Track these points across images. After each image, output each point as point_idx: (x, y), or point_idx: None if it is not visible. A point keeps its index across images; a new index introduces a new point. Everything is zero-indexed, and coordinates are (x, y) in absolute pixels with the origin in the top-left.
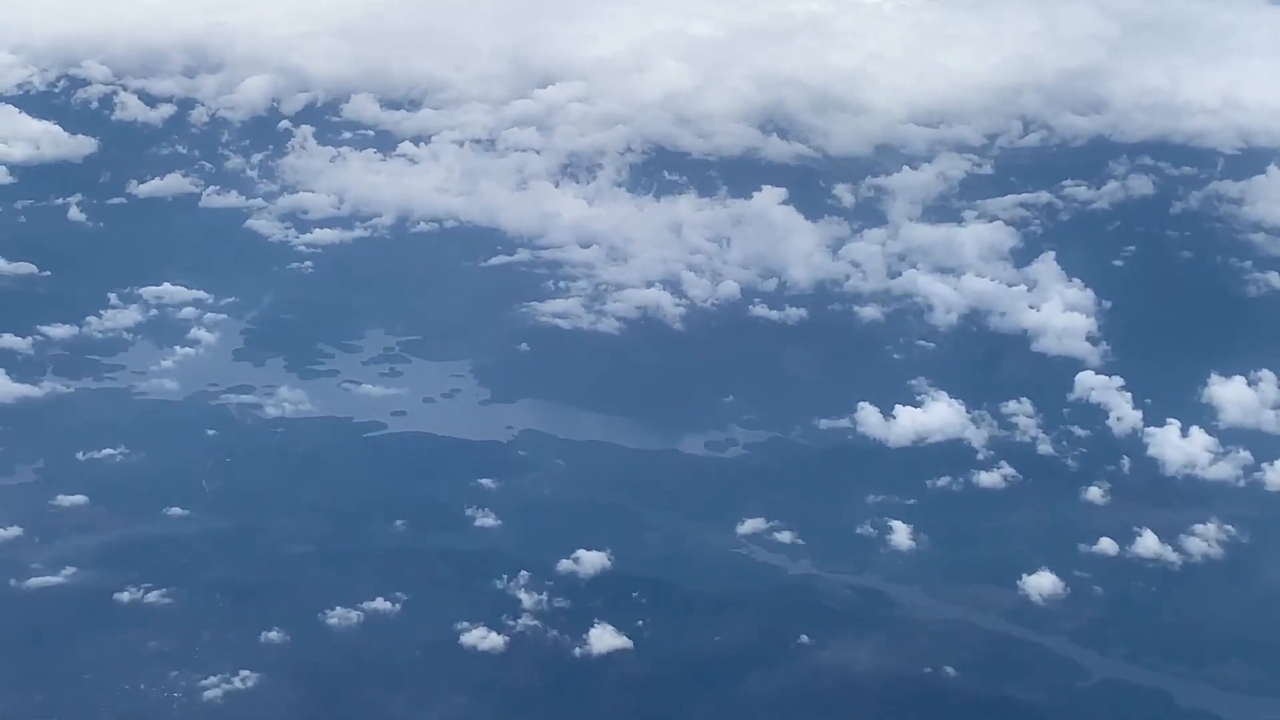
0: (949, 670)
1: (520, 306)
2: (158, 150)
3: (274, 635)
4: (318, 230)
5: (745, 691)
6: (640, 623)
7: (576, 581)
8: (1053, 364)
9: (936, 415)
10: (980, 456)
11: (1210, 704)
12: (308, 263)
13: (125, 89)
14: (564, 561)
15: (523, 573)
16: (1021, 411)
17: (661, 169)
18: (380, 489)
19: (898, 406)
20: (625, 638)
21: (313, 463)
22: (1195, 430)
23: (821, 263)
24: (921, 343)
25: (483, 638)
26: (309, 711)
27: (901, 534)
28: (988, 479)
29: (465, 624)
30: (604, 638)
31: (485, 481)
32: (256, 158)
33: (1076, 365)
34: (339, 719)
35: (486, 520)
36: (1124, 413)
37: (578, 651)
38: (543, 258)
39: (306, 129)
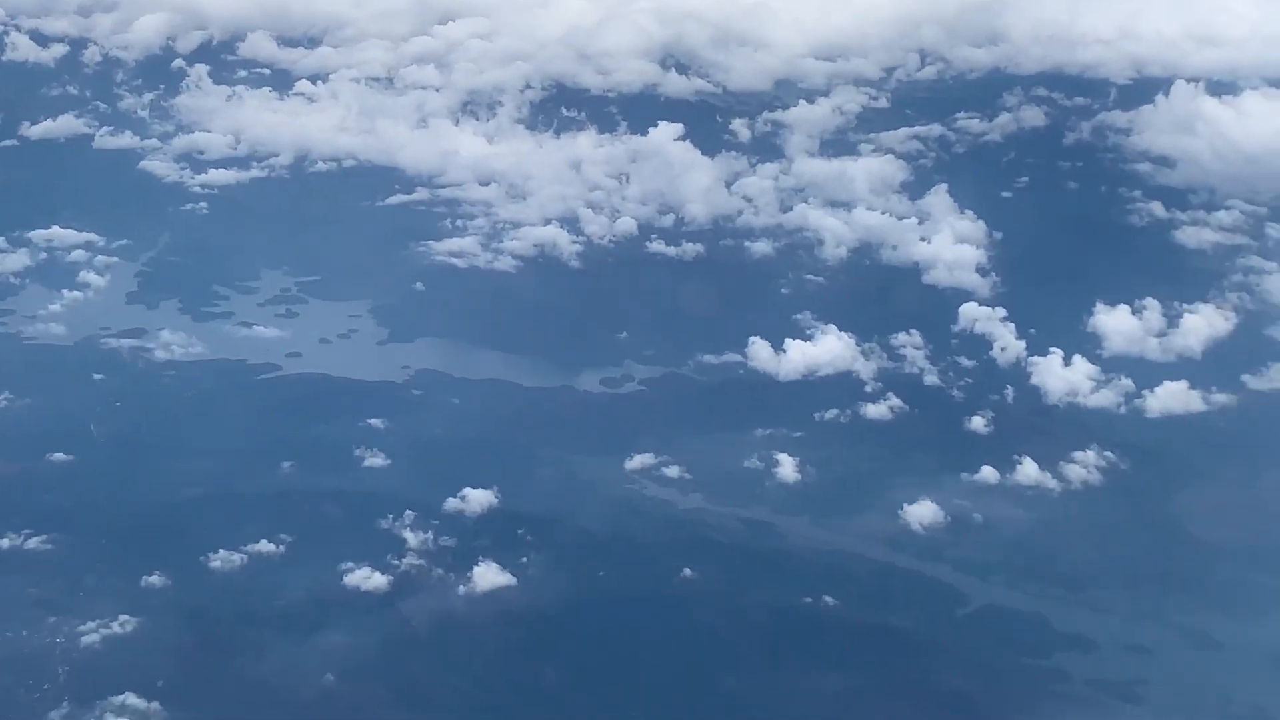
0: (828, 600)
1: (418, 246)
2: (50, 91)
3: (155, 579)
4: (213, 171)
5: (626, 625)
6: (525, 560)
7: (463, 520)
8: (943, 296)
9: (826, 348)
10: (868, 389)
11: (1086, 628)
12: (203, 204)
13: (17, 29)
14: (451, 500)
15: (408, 512)
16: (910, 343)
17: (561, 106)
18: (270, 431)
19: (788, 340)
20: (509, 575)
21: (203, 406)
22: (1078, 359)
23: (718, 198)
24: (812, 277)
25: (366, 578)
26: (188, 654)
27: (788, 466)
28: (875, 411)
29: (349, 564)
30: (488, 575)
31: (376, 422)
32: (151, 97)
33: (966, 297)
34: (218, 661)
35: (375, 460)
36: (1008, 343)
37: (461, 590)
38: (441, 196)
39: (201, 68)
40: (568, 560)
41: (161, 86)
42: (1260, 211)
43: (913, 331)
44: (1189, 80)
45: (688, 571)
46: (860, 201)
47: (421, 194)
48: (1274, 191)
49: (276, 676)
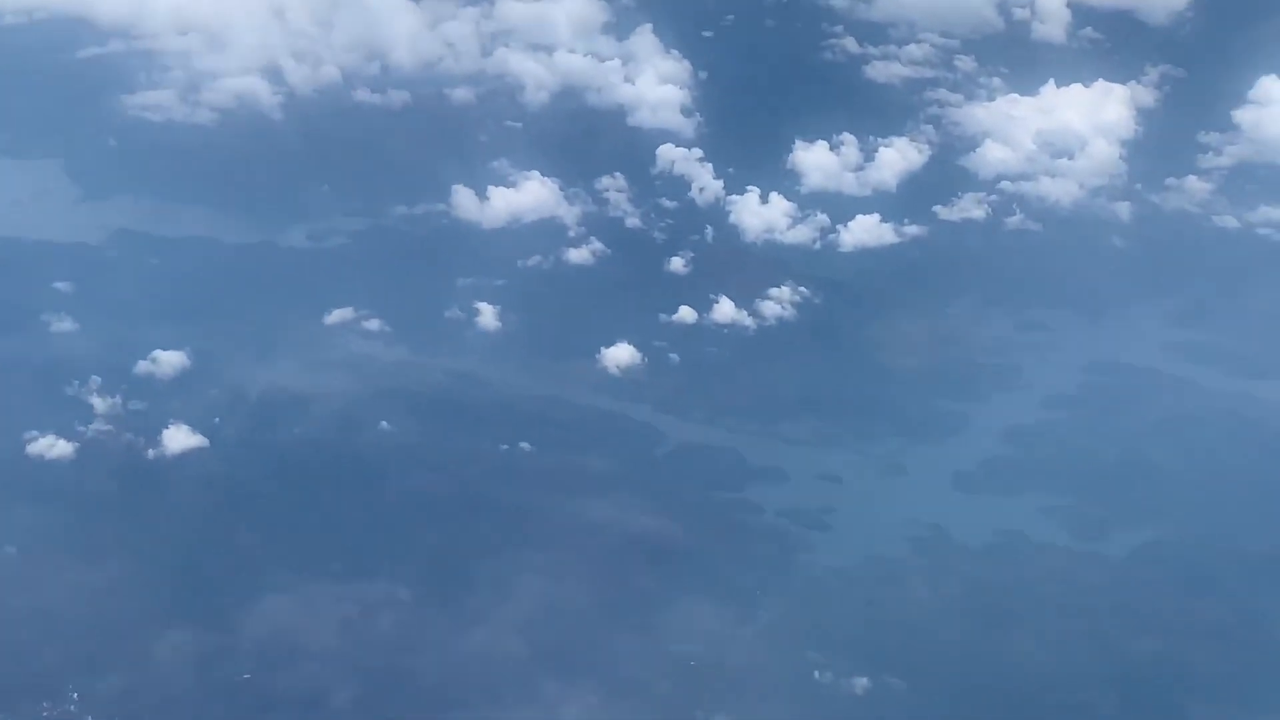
0: (525, 446)
1: (112, 100)
2: None
3: None
4: None
5: (320, 481)
6: (217, 420)
7: (154, 383)
8: (647, 137)
9: (530, 195)
10: (571, 234)
11: (778, 459)
12: None
13: None
14: (142, 363)
15: (95, 377)
16: (614, 187)
17: None
18: None
19: (491, 188)
20: (201, 436)
21: None
22: (776, 196)
23: (423, 44)
24: (512, 123)
25: (50, 446)
26: None
27: (488, 315)
28: (577, 255)
29: (33, 433)
30: (178, 438)
31: (65, 285)
32: None
33: (671, 138)
34: None
35: (64, 325)
36: (706, 183)
37: (151, 453)
38: (136, 48)
39: None
40: (262, 419)
41: None
42: (951, 44)
43: (617, 175)
44: None
45: (385, 425)
46: (563, 44)
47: (115, 45)
48: (966, 25)
49: None
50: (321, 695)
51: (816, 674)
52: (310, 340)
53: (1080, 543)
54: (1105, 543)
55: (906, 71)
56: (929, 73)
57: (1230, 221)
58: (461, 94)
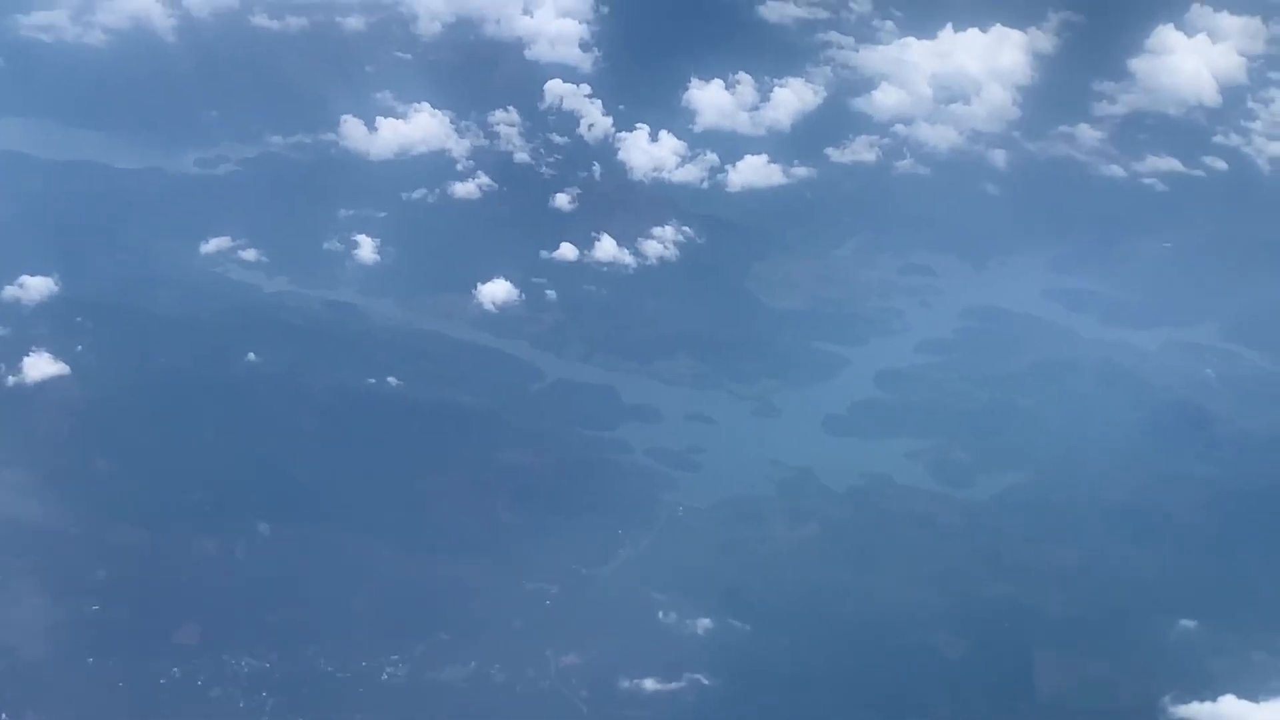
0: (392, 380)
1: (4, 19)
2: None
3: None
4: None
5: (180, 411)
6: (80, 348)
7: (19, 309)
8: (544, 71)
9: (420, 127)
10: (459, 167)
11: (653, 397)
12: None
13: None
14: (9, 288)
15: None
16: (506, 120)
17: None
18: None
19: (380, 119)
20: (62, 364)
21: None
22: (665, 134)
23: None
24: (402, 54)
25: None
26: None
27: (367, 247)
28: (463, 189)
29: None
30: (39, 365)
31: None
32: None
33: (568, 73)
34: None
35: None
36: (595, 119)
37: (11, 381)
38: None
39: None
40: (126, 347)
41: None
42: None
43: (510, 109)
44: None
45: (252, 356)
46: None
47: None
48: None
49: None
50: None
51: (661, 615)
52: (184, 268)
53: (943, 486)
54: (968, 487)
55: (800, 12)
56: (820, 14)
57: (1117, 171)
58: (354, 22)
